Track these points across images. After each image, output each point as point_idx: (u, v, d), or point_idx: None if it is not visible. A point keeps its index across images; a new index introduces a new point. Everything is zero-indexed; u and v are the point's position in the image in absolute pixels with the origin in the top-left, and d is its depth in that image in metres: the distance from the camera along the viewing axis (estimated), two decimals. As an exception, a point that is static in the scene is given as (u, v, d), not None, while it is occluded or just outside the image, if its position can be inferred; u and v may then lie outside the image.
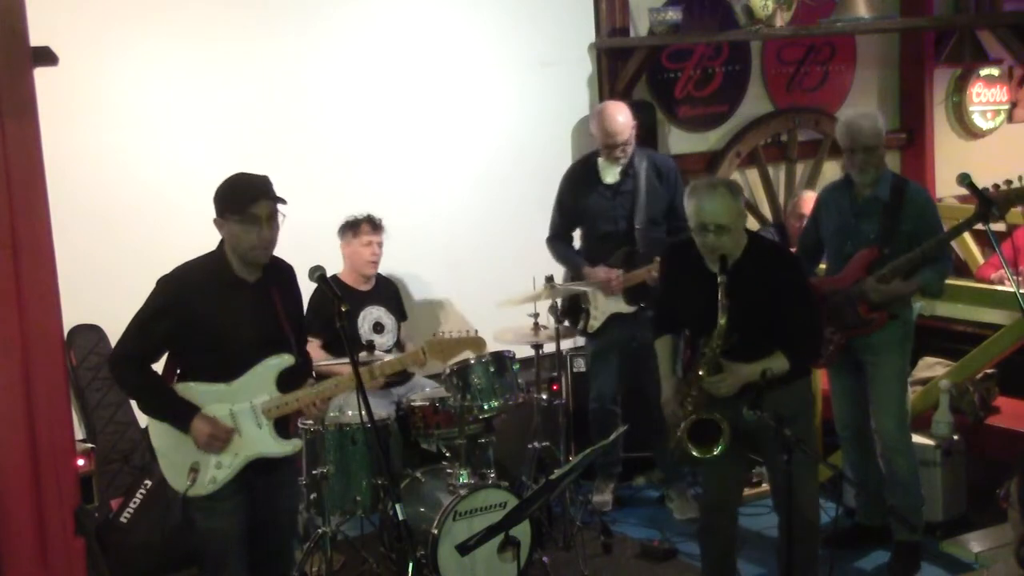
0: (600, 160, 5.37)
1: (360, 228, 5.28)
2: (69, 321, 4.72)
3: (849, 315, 4.59)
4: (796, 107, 7.03)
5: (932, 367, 5.61)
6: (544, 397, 5.20)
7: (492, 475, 4.65)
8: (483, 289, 5.64)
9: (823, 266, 4.88)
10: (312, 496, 4.56)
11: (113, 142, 5.10)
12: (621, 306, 5.35)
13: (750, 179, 6.91)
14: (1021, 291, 4.01)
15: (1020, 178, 4.49)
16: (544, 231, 5.53)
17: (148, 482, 4.81)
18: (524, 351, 5.18)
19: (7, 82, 4.17)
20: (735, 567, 4.34)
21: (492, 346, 4.75)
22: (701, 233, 3.92)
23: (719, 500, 4.22)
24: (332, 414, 4.65)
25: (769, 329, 3.96)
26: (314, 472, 4.54)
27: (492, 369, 4.79)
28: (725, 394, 3.94)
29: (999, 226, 5.18)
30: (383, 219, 5.34)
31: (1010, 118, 7.91)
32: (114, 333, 3.83)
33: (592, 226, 5.45)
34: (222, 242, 3.68)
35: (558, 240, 5.51)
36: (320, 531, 4.54)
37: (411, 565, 3.90)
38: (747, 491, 5.18)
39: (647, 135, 6.08)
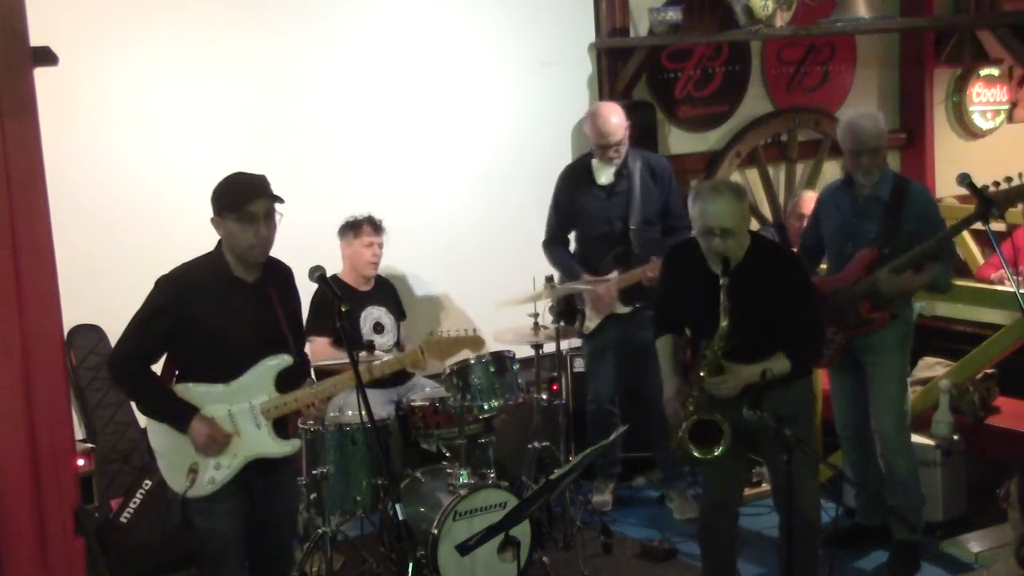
0: (594, 161, 5.35)
1: (361, 229, 5.28)
2: (69, 321, 4.71)
3: (851, 315, 4.59)
4: (796, 107, 7.03)
5: (932, 367, 5.62)
6: (544, 397, 5.19)
7: (492, 475, 4.64)
8: (483, 289, 5.64)
9: (824, 266, 4.89)
10: (312, 496, 4.55)
11: (113, 142, 5.11)
12: (617, 306, 5.34)
13: (750, 179, 6.91)
14: (1021, 291, 4.00)
15: (1020, 175, 4.50)
16: (544, 231, 5.53)
17: (148, 482, 4.81)
18: (524, 351, 5.18)
19: (7, 82, 4.16)
20: (735, 567, 4.34)
21: (492, 346, 4.76)
22: (706, 237, 3.90)
23: (719, 500, 4.22)
24: (332, 414, 4.66)
25: (771, 330, 3.95)
26: (314, 472, 4.53)
27: (492, 369, 4.79)
28: (726, 395, 3.93)
29: (999, 226, 5.17)
30: (383, 219, 5.34)
31: (1010, 118, 7.91)
32: (114, 333, 3.82)
33: (587, 227, 5.44)
34: (220, 242, 3.68)
35: (555, 244, 5.50)
36: (320, 531, 4.53)
37: (411, 565, 3.89)
38: (747, 491, 5.17)
39: (647, 135, 6.08)
